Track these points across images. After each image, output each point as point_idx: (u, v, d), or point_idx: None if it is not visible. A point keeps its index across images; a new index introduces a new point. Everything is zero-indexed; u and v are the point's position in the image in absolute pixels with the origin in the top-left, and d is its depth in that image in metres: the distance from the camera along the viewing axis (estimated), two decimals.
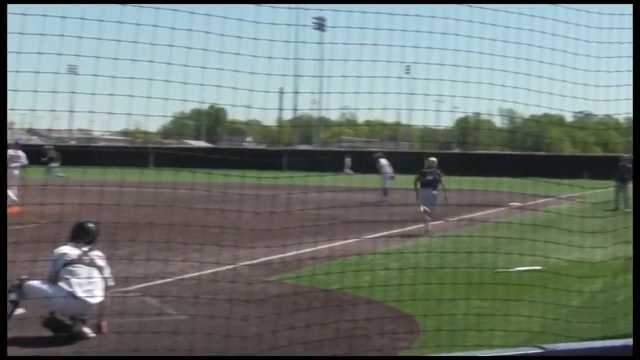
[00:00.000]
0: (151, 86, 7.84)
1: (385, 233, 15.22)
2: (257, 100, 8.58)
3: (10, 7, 7.14)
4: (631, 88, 7.80)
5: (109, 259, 9.85)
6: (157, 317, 8.97)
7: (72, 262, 8.96)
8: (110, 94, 7.81)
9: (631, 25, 7.76)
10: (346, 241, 13.17)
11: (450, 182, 12.50)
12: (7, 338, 8.42)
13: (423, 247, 14.11)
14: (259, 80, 8.43)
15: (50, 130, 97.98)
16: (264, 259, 12.60)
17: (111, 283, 9.21)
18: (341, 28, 8.84)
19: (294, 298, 10.18)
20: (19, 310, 8.93)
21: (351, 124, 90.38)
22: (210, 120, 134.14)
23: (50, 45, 7.57)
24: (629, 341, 3.76)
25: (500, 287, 9.83)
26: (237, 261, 11.67)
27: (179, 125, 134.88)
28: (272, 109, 9.05)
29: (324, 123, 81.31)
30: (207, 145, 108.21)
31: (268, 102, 8.62)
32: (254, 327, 8.78)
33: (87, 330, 8.54)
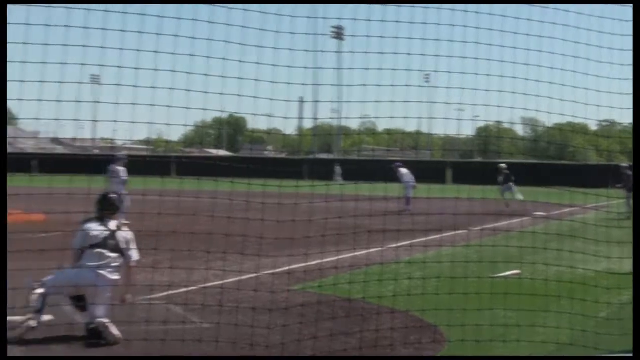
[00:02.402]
0: (172, 95, 7.88)
1: (407, 242, 15.16)
2: (277, 109, 8.59)
3: (34, 18, 7.19)
4: None
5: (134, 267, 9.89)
6: (181, 325, 8.97)
7: (98, 244, 9.10)
8: (133, 104, 7.84)
9: None
10: (369, 250, 13.12)
11: (474, 192, 12.41)
12: (36, 339, 8.50)
13: (446, 256, 14.03)
14: (279, 89, 8.44)
15: (74, 139, 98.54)
16: (286, 268, 12.57)
17: (136, 258, 9.36)
18: (360, 37, 8.84)
19: (317, 307, 10.15)
20: (46, 317, 8.98)
21: (371, 132, 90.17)
22: (231, 129, 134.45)
23: (74, 55, 7.62)
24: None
25: (525, 298, 9.75)
26: (260, 270, 11.66)
27: (200, 134, 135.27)
28: (293, 118, 9.03)
29: (344, 132, 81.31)
30: (228, 154, 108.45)
31: (288, 111, 8.63)
32: (278, 336, 8.76)
33: (117, 333, 8.58)
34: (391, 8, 8.76)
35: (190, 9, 8.03)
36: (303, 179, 54.64)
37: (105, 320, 8.71)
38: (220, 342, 8.21)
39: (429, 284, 10.95)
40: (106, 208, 9.51)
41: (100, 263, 9.02)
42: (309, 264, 12.15)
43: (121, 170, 23.75)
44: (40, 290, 8.96)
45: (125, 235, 9.34)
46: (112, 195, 9.63)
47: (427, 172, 35.66)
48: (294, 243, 9.79)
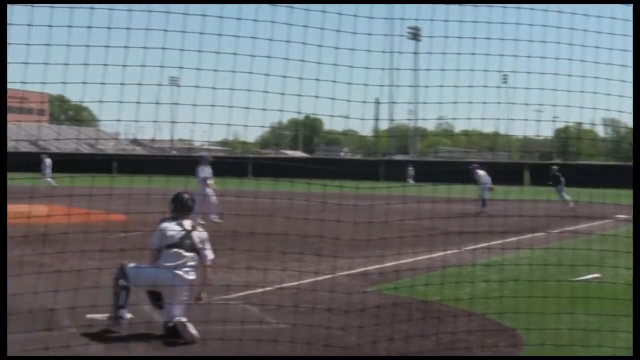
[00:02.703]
0: (250, 97, 7.94)
1: (484, 244, 15.01)
2: (353, 111, 8.59)
3: (116, 21, 7.33)
4: None
5: (211, 267, 10.00)
6: (257, 325, 9.03)
7: (174, 244, 9.22)
8: (211, 105, 7.92)
9: None
10: (445, 252, 13.02)
11: (552, 193, 12.11)
12: (115, 336, 8.66)
13: (524, 259, 13.83)
14: (355, 90, 8.44)
15: (153, 140, 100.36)
16: (362, 269, 12.56)
17: (211, 257, 9.43)
18: (438, 37, 8.77)
19: (392, 309, 10.11)
20: (128, 315, 9.16)
21: (448, 134, 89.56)
22: (307, 130, 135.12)
23: (153, 57, 7.73)
24: None
25: (606, 302, 9.54)
26: (336, 271, 11.67)
27: (277, 136, 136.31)
28: (369, 119, 9.03)
29: (421, 133, 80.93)
30: (304, 155, 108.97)
31: (365, 113, 8.62)
32: (354, 337, 8.75)
33: (194, 332, 8.69)
34: (469, 8, 8.68)
35: (266, 9, 8.09)
36: (379, 180, 54.63)
37: (183, 319, 8.83)
38: (295, 342, 8.24)
39: (506, 287, 10.80)
40: (179, 208, 9.62)
41: (177, 263, 9.14)
42: (384, 265, 12.13)
43: (207, 170, 24.04)
44: (122, 282, 9.15)
45: (200, 234, 9.44)
46: (185, 195, 9.74)
47: (504, 173, 35.30)
48: (369, 244, 9.77)
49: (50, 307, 9.17)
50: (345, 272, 12.48)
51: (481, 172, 30.91)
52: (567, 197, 31.78)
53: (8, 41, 7.17)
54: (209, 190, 23.56)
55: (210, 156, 25.55)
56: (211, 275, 9.47)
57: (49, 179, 39.70)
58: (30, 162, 42.05)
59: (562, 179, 33.48)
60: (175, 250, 9.20)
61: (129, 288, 9.17)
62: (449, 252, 13.32)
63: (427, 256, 11.93)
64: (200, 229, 9.58)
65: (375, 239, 9.78)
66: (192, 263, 9.23)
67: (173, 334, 8.73)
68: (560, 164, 34.09)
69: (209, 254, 9.41)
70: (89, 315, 9.21)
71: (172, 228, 9.33)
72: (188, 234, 9.33)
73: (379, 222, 9.39)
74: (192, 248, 9.29)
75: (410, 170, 57.53)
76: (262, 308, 10.15)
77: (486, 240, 14.72)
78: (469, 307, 10.03)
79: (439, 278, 11.95)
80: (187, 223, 9.46)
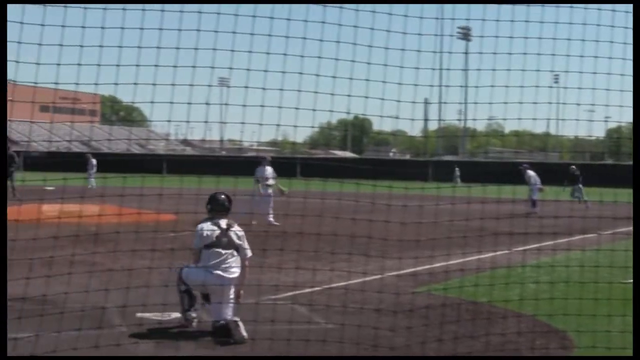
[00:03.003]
0: (300, 97, 7.96)
1: (534, 245, 14.86)
2: (403, 111, 8.57)
3: (167, 22, 7.41)
4: None
5: (259, 267, 10.05)
6: (306, 325, 9.05)
7: (212, 244, 9.34)
8: (261, 105, 7.95)
9: None
10: (495, 253, 12.92)
11: (606, 195, 12.01)
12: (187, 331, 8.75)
13: (575, 260, 13.66)
14: (405, 90, 8.42)
15: (203, 140, 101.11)
16: (411, 270, 12.52)
17: (249, 255, 9.55)
18: (488, 37, 8.72)
19: (441, 310, 10.07)
20: (174, 315, 9.27)
21: (499, 134, 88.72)
22: (356, 130, 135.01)
23: (204, 58, 7.80)
24: None
25: None
26: (385, 271, 11.65)
27: (326, 136, 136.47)
28: (418, 119, 9.01)
29: (470, 133, 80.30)
30: (353, 155, 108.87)
31: (414, 113, 8.60)
32: (402, 338, 8.73)
33: (244, 334, 8.75)
34: (520, 8, 8.61)
35: (317, 10, 8.10)
36: (427, 180, 54.35)
37: (236, 318, 8.89)
38: (343, 342, 8.24)
39: (556, 289, 10.69)
40: (215, 208, 9.74)
41: (217, 262, 9.23)
42: (433, 266, 12.07)
43: (268, 171, 24.11)
44: (182, 287, 9.37)
45: (237, 233, 9.53)
46: (220, 196, 9.84)
47: (555, 174, 34.92)
48: (419, 245, 9.73)
49: (101, 305, 9.30)
50: (394, 272, 12.44)
51: (531, 173, 30.69)
52: (584, 197, 33.07)
53: (63, 43, 7.29)
54: (269, 191, 23.60)
55: (270, 157, 25.58)
56: (248, 274, 9.52)
57: (92, 180, 40.26)
58: (82, 163, 42.79)
59: (581, 178, 35.13)
60: (214, 249, 9.30)
61: (189, 291, 9.36)
62: (498, 252, 13.23)
63: (476, 257, 11.84)
64: (238, 228, 9.65)
65: (425, 239, 9.75)
66: (231, 260, 9.33)
67: (223, 333, 8.79)
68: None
69: (248, 252, 9.49)
70: (139, 314, 9.32)
71: (208, 228, 9.44)
72: (224, 232, 9.43)
73: (428, 223, 9.37)
74: (231, 246, 9.40)
75: (457, 171, 57.10)
76: (311, 308, 10.18)
77: (536, 241, 14.56)
78: (519, 308, 9.95)
79: (489, 279, 11.87)
80: (224, 222, 9.54)
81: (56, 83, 7.12)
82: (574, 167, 36.44)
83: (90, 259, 12.69)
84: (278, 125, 8.68)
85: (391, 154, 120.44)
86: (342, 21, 8.02)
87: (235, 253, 9.39)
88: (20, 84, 7.07)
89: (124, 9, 7.52)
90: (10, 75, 7.43)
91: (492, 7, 8.66)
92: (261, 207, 22.55)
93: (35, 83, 7.19)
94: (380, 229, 9.83)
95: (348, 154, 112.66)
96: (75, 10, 7.41)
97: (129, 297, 8.63)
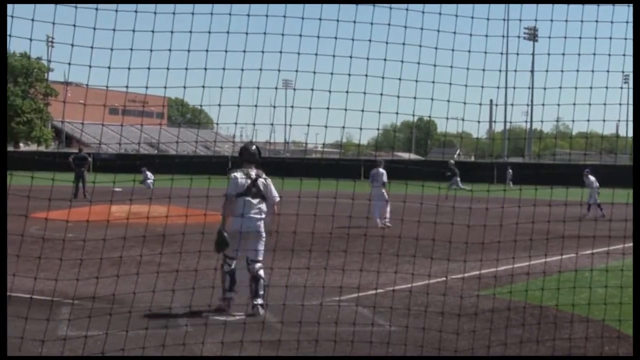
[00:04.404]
0: (365, 99, 7.97)
1: (603, 249, 14.61)
2: (468, 113, 8.52)
3: (233, 25, 7.48)
4: None
5: (324, 268, 10.09)
6: (369, 327, 9.05)
7: (244, 193, 10.11)
8: (326, 108, 7.99)
9: None
10: (562, 256, 12.73)
11: None
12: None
13: None
14: (471, 92, 8.37)
15: (268, 142, 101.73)
16: (476, 273, 12.42)
17: (277, 199, 10.35)
18: (556, 38, 8.61)
19: (506, 313, 9.97)
20: (232, 295, 10.09)
21: (567, 136, 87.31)
22: (421, 132, 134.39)
23: (269, 61, 7.86)
24: None
25: None
26: (449, 274, 11.58)
27: (390, 138, 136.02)
28: (484, 121, 8.94)
29: (536, 135, 79.19)
30: (418, 157, 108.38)
31: (480, 114, 8.54)
32: (466, 342, 8.67)
33: (262, 311, 9.74)
34: (590, 7, 8.49)
35: (383, 12, 8.10)
36: (492, 182, 53.80)
37: (260, 300, 9.92)
38: (407, 345, 8.23)
39: (626, 293, 10.48)
40: (245, 158, 10.45)
41: (249, 208, 10.01)
42: (498, 269, 11.95)
43: (382, 173, 24.21)
44: (227, 269, 10.15)
45: (264, 181, 10.27)
46: (252, 147, 10.51)
47: (626, 176, 34.25)
48: (483, 247, 9.65)
49: (167, 305, 9.43)
50: (459, 275, 12.36)
51: (592, 178, 30.83)
52: (458, 189, 35.21)
53: (133, 47, 7.44)
54: (385, 195, 23.64)
55: (383, 160, 25.62)
56: (278, 211, 10.27)
57: (148, 182, 40.90)
58: (153, 164, 43.52)
59: (457, 172, 38.25)
60: (245, 198, 10.08)
61: (232, 272, 10.08)
62: (565, 256, 13.04)
63: (542, 260, 11.67)
64: (264, 176, 10.36)
65: (489, 242, 9.67)
66: (261, 206, 10.16)
67: (253, 290, 9.85)
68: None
69: (276, 198, 10.31)
70: (205, 314, 9.43)
71: (241, 177, 10.19)
72: (254, 182, 10.17)
73: (493, 225, 9.28)
74: (259, 194, 10.16)
75: (509, 173, 56.31)
76: (374, 310, 10.17)
77: (604, 245, 14.32)
78: (586, 313, 9.79)
79: (555, 282, 11.70)
80: (253, 172, 10.31)
81: (126, 87, 7.24)
82: (452, 161, 40.06)
83: (157, 259, 12.87)
84: (343, 127, 8.72)
85: (456, 156, 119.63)
86: (407, 23, 8.01)
87: (263, 200, 10.16)
88: (92, 87, 7.23)
89: (192, 13, 7.63)
90: (83, 79, 7.61)
91: (560, 7, 8.55)
92: (384, 209, 23.11)
93: (107, 87, 7.35)
94: (444, 232, 9.76)
95: (412, 156, 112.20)
96: (144, 15, 7.54)
97: (194, 297, 8.74)
